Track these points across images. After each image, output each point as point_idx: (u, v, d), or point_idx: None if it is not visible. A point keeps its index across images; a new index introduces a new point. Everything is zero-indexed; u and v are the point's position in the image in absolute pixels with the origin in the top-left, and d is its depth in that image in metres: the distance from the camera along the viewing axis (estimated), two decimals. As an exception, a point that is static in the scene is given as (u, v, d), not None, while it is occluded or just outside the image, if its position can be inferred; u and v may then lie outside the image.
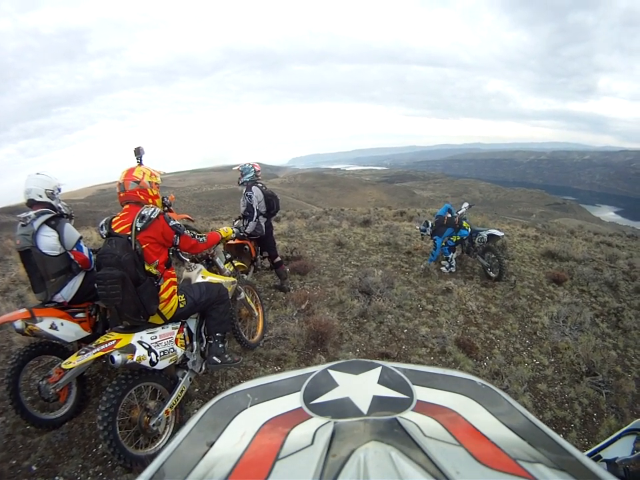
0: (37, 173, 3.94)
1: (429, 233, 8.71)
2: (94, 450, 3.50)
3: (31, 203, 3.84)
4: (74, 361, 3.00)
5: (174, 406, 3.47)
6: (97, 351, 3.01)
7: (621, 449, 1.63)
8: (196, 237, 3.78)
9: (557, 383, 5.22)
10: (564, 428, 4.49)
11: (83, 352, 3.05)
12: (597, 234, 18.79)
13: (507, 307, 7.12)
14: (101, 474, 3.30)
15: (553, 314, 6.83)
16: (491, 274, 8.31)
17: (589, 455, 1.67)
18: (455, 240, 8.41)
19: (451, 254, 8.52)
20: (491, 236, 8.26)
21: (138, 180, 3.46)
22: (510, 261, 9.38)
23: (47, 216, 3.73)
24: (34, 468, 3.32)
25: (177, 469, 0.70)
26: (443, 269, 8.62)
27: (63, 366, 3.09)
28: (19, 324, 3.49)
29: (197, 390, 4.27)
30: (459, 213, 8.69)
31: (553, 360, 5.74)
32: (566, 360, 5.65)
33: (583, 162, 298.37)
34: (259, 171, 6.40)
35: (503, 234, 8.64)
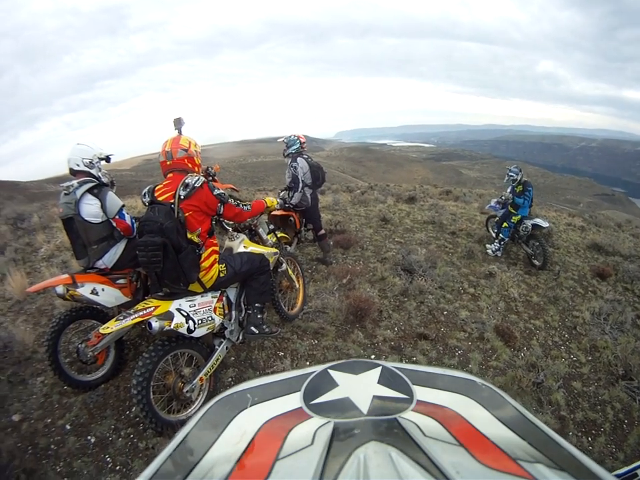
0: (78, 143, 3.99)
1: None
2: (127, 412, 3.61)
3: (73, 172, 3.90)
4: (112, 326, 3.05)
5: (209, 374, 3.50)
6: (135, 317, 3.05)
7: None
8: (240, 205, 3.77)
9: (592, 383, 5.03)
10: (593, 431, 4.31)
11: (121, 317, 3.09)
12: (644, 230, 17.85)
13: (548, 298, 6.90)
14: (132, 436, 3.39)
15: (594, 310, 6.56)
16: (535, 262, 8.07)
17: (627, 472, 1.63)
18: (514, 220, 8.15)
19: (507, 237, 8.28)
20: (535, 225, 8.01)
21: (186, 148, 3.45)
22: (555, 250, 9.09)
23: (90, 185, 3.78)
24: (68, 427, 3.45)
25: (177, 468, 0.71)
26: (489, 251, 8.41)
27: (101, 331, 3.14)
28: (60, 289, 3.57)
29: (232, 359, 4.32)
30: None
31: (590, 358, 5.53)
32: (603, 360, 5.42)
33: (636, 153, 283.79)
34: (304, 142, 6.36)
35: (548, 225, 8.35)
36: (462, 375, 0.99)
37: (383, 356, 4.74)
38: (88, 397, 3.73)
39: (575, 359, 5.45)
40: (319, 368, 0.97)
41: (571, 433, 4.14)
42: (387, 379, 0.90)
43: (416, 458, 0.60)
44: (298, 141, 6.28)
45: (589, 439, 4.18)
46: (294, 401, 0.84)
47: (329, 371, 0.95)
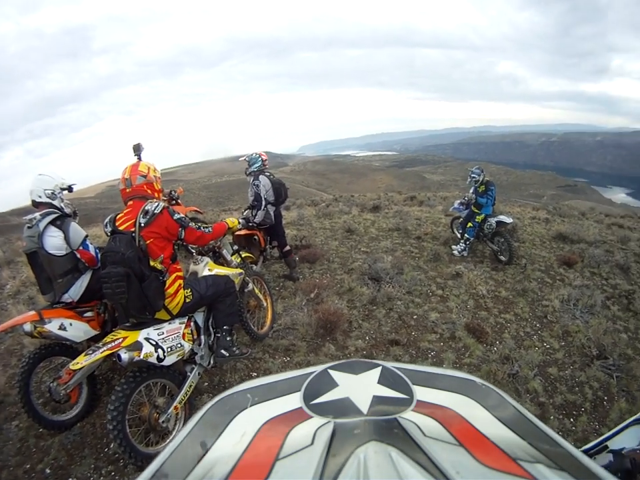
0: (39, 174, 3.94)
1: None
2: (106, 449, 3.53)
3: (35, 204, 3.85)
4: (81, 361, 3.01)
5: (183, 401, 3.46)
6: (104, 350, 3.01)
7: (628, 439, 1.61)
8: (201, 228, 3.76)
9: (568, 367, 5.19)
10: (574, 412, 4.46)
11: (90, 352, 3.05)
12: (608, 216, 18.51)
13: (517, 291, 7.08)
14: (113, 473, 3.32)
15: (563, 297, 6.77)
16: (501, 258, 8.25)
17: (596, 445, 1.67)
18: (478, 220, 8.35)
19: (472, 237, 8.48)
20: (499, 222, 8.21)
21: (145, 174, 3.44)
22: (520, 244, 9.31)
23: (52, 216, 3.73)
24: (47, 471, 3.35)
25: (177, 468, 0.71)
26: (455, 252, 8.58)
27: (71, 367, 3.09)
28: (27, 327, 3.49)
29: (206, 384, 4.27)
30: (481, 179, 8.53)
31: (563, 343, 5.71)
32: (577, 343, 5.62)
33: (595, 143, 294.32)
34: (266, 160, 6.39)
35: (511, 220, 8.57)
36: (462, 375, 0.99)
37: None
38: (65, 437, 3.63)
39: (548, 346, 5.62)
40: (319, 368, 0.97)
41: (552, 417, 4.26)
42: (387, 379, 0.90)
43: (416, 458, 0.61)
44: (260, 159, 6.30)
45: (571, 420, 4.32)
46: (294, 401, 0.85)
47: (329, 371, 0.95)
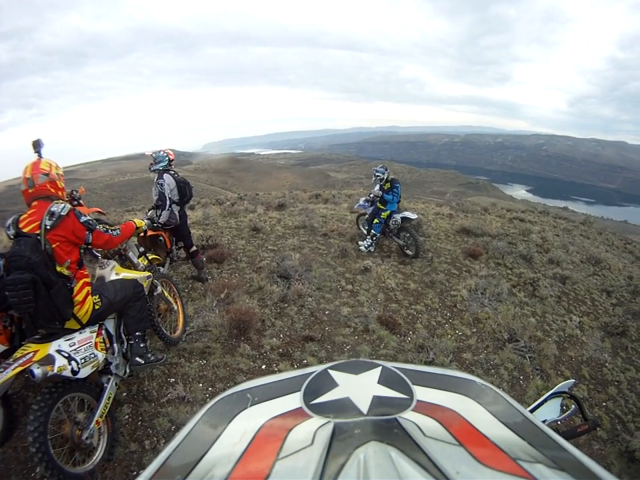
0: None
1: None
2: (32, 474, 3.25)
3: None
4: None
5: (104, 414, 3.31)
6: (15, 367, 2.79)
7: (549, 411, 1.73)
8: (109, 230, 3.60)
9: (481, 351, 5.58)
10: None
11: (1, 369, 2.80)
12: (509, 210, 19.93)
13: (425, 283, 7.45)
14: None
15: (471, 287, 7.25)
16: (408, 252, 8.63)
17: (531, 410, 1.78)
18: (384, 216, 8.61)
19: (379, 233, 8.75)
20: (404, 218, 8.54)
21: (47, 172, 3.23)
22: (426, 239, 9.76)
23: None
24: None
25: (177, 468, 0.70)
26: (362, 248, 8.82)
27: None
28: None
29: (124, 394, 4.11)
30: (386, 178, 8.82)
31: (475, 330, 6.12)
32: (487, 329, 6.05)
33: (496, 144, 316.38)
34: (172, 159, 6.21)
35: (416, 216, 8.93)
36: (462, 375, 0.99)
37: (274, 364, 4.83)
38: None
39: (460, 333, 5.99)
40: (319, 368, 0.96)
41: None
42: (387, 379, 0.90)
43: (416, 458, 0.61)
44: (167, 158, 6.11)
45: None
46: (294, 400, 0.84)
47: (329, 371, 0.94)
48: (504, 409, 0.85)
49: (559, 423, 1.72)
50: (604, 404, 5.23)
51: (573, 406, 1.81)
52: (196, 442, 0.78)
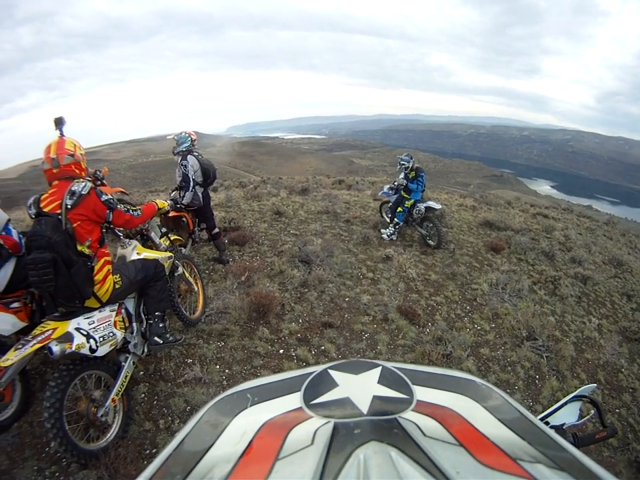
0: None
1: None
2: (46, 449, 3.30)
3: None
4: (12, 357, 2.79)
5: (120, 393, 3.33)
6: (34, 343, 2.82)
7: (567, 415, 1.72)
8: (130, 210, 3.60)
9: (499, 347, 5.50)
10: (508, 390, 4.71)
11: (20, 346, 2.84)
12: (533, 206, 19.51)
13: (446, 274, 7.36)
14: (57, 474, 3.13)
15: (492, 281, 7.14)
16: (430, 242, 8.54)
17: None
18: (408, 205, 8.54)
19: (402, 221, 8.67)
20: (428, 208, 8.46)
21: (72, 153, 3.21)
22: (448, 230, 9.64)
23: None
24: None
25: (177, 468, 0.70)
26: (384, 236, 8.76)
27: (1, 364, 2.84)
28: None
29: (142, 373, 4.13)
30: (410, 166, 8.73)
31: (493, 325, 6.03)
32: (506, 325, 5.96)
33: (522, 137, 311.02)
34: (195, 140, 6.19)
35: (440, 206, 8.84)
36: (462, 375, 0.99)
37: (291, 349, 4.82)
38: (3, 439, 3.37)
39: (479, 328, 5.91)
40: (319, 368, 0.96)
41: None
42: (387, 379, 0.90)
43: (416, 458, 0.61)
44: (189, 139, 6.10)
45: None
46: (294, 400, 0.84)
47: (329, 370, 0.94)
48: (504, 408, 0.85)
49: (578, 427, 1.69)
50: (617, 410, 5.13)
51: (592, 411, 1.81)
52: (196, 442, 0.78)
